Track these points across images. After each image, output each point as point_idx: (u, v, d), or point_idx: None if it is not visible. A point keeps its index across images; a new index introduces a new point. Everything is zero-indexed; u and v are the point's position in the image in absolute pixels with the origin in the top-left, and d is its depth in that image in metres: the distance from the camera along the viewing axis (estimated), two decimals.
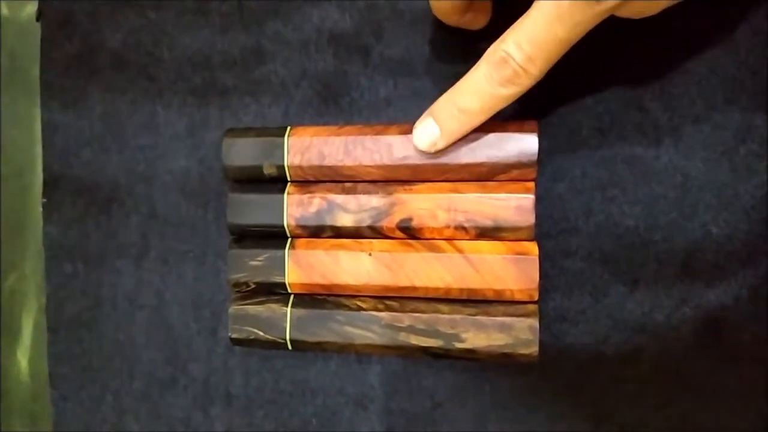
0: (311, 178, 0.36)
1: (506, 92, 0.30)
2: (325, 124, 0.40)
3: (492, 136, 0.33)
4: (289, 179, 0.37)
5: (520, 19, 0.29)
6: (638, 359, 0.37)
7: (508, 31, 0.29)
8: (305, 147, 0.36)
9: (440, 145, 0.33)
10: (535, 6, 0.28)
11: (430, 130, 0.33)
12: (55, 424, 0.45)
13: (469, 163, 0.34)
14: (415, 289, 0.35)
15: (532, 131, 0.33)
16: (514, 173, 0.34)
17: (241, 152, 0.37)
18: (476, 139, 0.33)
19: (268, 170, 0.36)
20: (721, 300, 0.36)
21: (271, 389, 0.41)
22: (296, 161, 0.36)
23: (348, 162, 0.35)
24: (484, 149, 0.33)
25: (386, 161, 0.35)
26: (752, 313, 0.35)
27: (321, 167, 0.36)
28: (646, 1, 0.29)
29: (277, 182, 0.37)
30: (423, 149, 0.34)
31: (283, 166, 0.36)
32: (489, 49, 0.30)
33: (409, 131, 0.34)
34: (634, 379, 0.37)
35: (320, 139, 0.36)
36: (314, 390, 0.41)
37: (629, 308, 0.37)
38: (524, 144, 0.33)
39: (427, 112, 0.33)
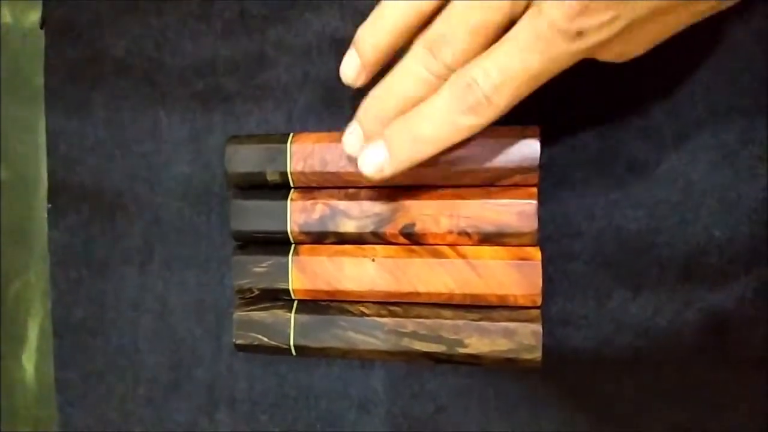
0: (314, 185, 0.36)
1: (466, 122, 0.28)
2: (328, 129, 0.40)
3: (494, 142, 0.33)
4: (292, 185, 0.37)
5: (492, 47, 0.27)
6: (641, 363, 0.37)
7: (476, 58, 0.28)
8: (308, 154, 0.36)
9: (387, 173, 0.31)
10: (509, 35, 0.27)
11: (378, 155, 0.31)
12: (61, 428, 0.45)
13: (472, 169, 0.34)
14: (418, 294, 0.35)
15: (534, 136, 0.33)
16: (517, 178, 0.34)
17: (244, 159, 0.37)
18: (478, 145, 0.33)
19: (271, 177, 0.37)
20: (724, 303, 0.36)
21: (275, 394, 0.41)
22: (299, 168, 0.36)
23: (350, 168, 0.35)
24: (486, 155, 0.33)
25: None
26: (755, 317, 0.35)
27: (323, 173, 0.36)
28: (626, 46, 0.28)
29: (280, 188, 0.37)
30: (368, 175, 0.31)
31: (286, 173, 0.36)
32: (453, 74, 0.28)
33: None
34: (638, 382, 0.37)
35: (322, 146, 0.36)
36: (318, 394, 0.41)
37: (632, 312, 0.37)
38: (526, 149, 0.33)
39: (377, 135, 0.31)
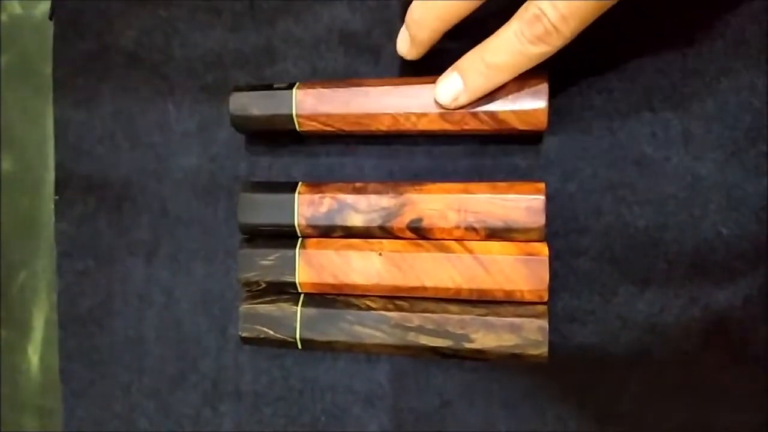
0: (311, 98, 0.37)
1: (535, 50, 0.31)
2: None
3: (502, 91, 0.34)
4: (294, 99, 0.37)
5: None
6: (647, 359, 0.37)
7: None
8: (315, 83, 0.37)
9: (462, 100, 0.34)
10: None
11: (454, 84, 0.34)
12: (66, 419, 0.45)
13: (479, 110, 0.35)
14: (425, 289, 0.35)
15: (542, 83, 0.34)
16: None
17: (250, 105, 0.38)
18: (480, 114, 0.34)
19: (278, 84, 0.37)
20: (731, 300, 0.36)
21: (281, 386, 0.41)
22: (305, 86, 0.37)
23: (357, 89, 0.36)
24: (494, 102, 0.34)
25: (398, 82, 0.36)
26: (761, 314, 0.35)
27: (330, 93, 0.36)
28: None
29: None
30: (444, 103, 0.34)
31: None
32: (522, 6, 0.30)
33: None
34: (643, 379, 0.37)
35: (327, 90, 0.37)
36: (323, 387, 0.41)
37: (639, 308, 0.37)
38: (534, 95, 0.34)
39: (452, 67, 0.34)
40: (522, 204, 0.34)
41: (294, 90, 0.37)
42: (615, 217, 0.37)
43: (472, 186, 0.35)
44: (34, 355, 0.48)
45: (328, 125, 0.37)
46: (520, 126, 0.34)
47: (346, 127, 0.36)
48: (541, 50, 0.31)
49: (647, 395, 0.37)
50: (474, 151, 0.38)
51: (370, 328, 0.35)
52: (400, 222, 0.35)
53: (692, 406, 0.36)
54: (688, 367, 0.36)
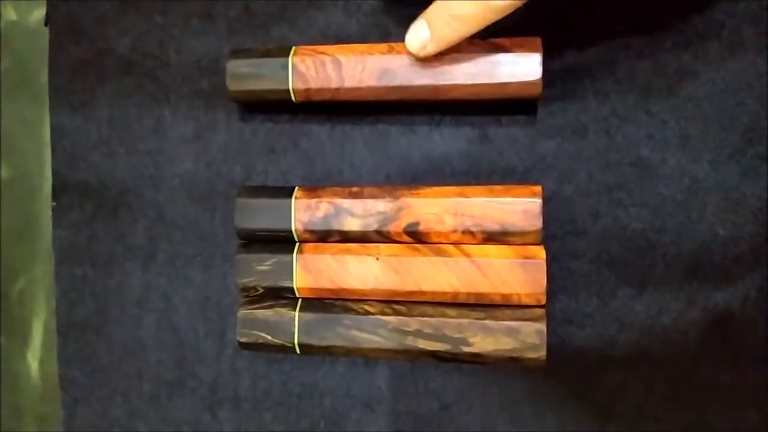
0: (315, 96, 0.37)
1: (499, 3, 0.30)
2: (332, 127, 0.40)
3: (493, 52, 0.34)
4: (292, 54, 0.37)
5: None
6: (645, 361, 0.37)
7: None
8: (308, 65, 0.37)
9: (430, 49, 0.34)
10: None
11: (422, 33, 0.34)
12: (65, 425, 0.45)
13: (467, 83, 0.35)
14: (422, 293, 0.35)
15: (535, 50, 0.34)
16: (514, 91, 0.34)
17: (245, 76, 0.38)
18: (475, 58, 0.34)
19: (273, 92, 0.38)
20: (728, 302, 0.36)
21: (279, 391, 0.41)
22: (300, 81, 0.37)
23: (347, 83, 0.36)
24: (484, 67, 0.34)
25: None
26: (759, 315, 0.35)
27: (327, 50, 0.37)
28: None
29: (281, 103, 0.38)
30: (413, 51, 0.34)
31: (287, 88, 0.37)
32: None
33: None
34: (641, 380, 0.37)
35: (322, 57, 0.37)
36: (322, 392, 0.41)
37: (636, 310, 0.37)
38: (526, 62, 0.34)
39: (421, 15, 0.34)
40: (519, 207, 0.34)
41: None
42: (612, 219, 0.37)
43: (468, 189, 0.35)
44: (33, 361, 0.48)
45: (322, 53, 0.36)
46: (515, 48, 0.34)
47: (340, 54, 0.36)
48: (505, 3, 0.30)
49: (646, 397, 0.37)
50: (470, 152, 0.38)
51: (368, 333, 0.35)
52: (397, 226, 0.35)
53: (691, 407, 0.36)
54: (687, 369, 0.36)
